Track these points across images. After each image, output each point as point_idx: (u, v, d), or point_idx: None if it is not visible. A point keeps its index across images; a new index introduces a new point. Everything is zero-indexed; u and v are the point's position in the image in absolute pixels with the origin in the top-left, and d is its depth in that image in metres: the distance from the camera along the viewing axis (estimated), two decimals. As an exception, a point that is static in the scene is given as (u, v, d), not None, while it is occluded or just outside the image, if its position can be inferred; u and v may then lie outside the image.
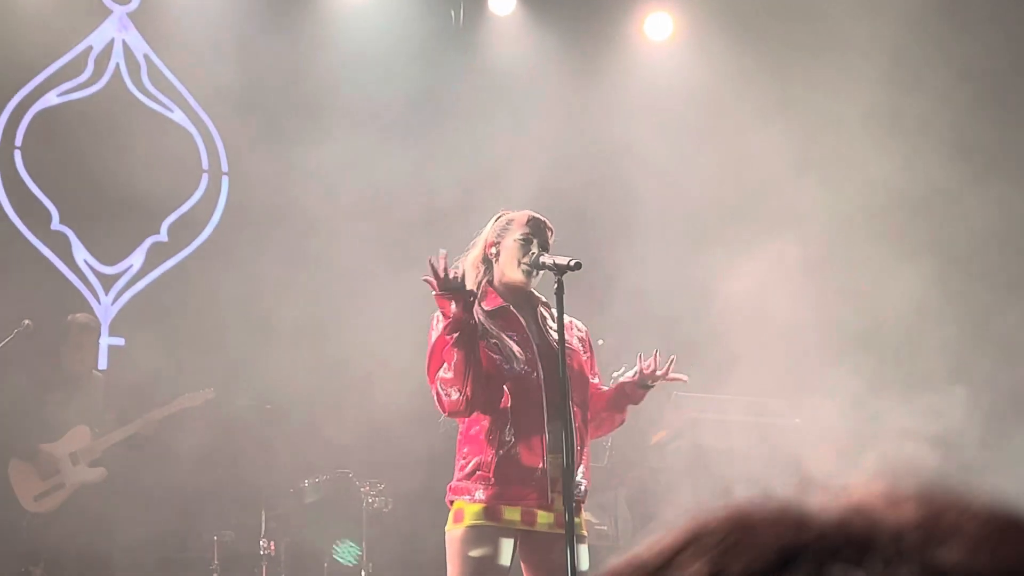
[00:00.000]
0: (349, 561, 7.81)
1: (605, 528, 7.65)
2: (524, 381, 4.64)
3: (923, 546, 0.54)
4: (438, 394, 4.60)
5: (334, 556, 7.84)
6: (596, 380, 4.95)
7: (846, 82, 8.74)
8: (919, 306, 7.65)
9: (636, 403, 4.91)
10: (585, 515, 4.78)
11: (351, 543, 7.78)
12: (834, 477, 0.60)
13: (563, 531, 4.50)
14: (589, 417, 4.85)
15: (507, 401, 4.60)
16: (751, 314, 7.48)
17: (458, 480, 4.65)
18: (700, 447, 7.14)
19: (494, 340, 4.64)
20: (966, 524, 0.55)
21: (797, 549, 0.55)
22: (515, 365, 4.63)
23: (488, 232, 4.90)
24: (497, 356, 4.62)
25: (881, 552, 0.54)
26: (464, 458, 4.67)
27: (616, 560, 0.61)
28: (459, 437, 4.74)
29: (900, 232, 8.26)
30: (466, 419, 4.67)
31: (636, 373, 4.82)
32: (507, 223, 4.86)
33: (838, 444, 6.32)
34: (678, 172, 8.98)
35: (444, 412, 4.65)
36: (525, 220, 4.83)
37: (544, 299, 4.87)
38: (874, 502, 0.57)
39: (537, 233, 4.80)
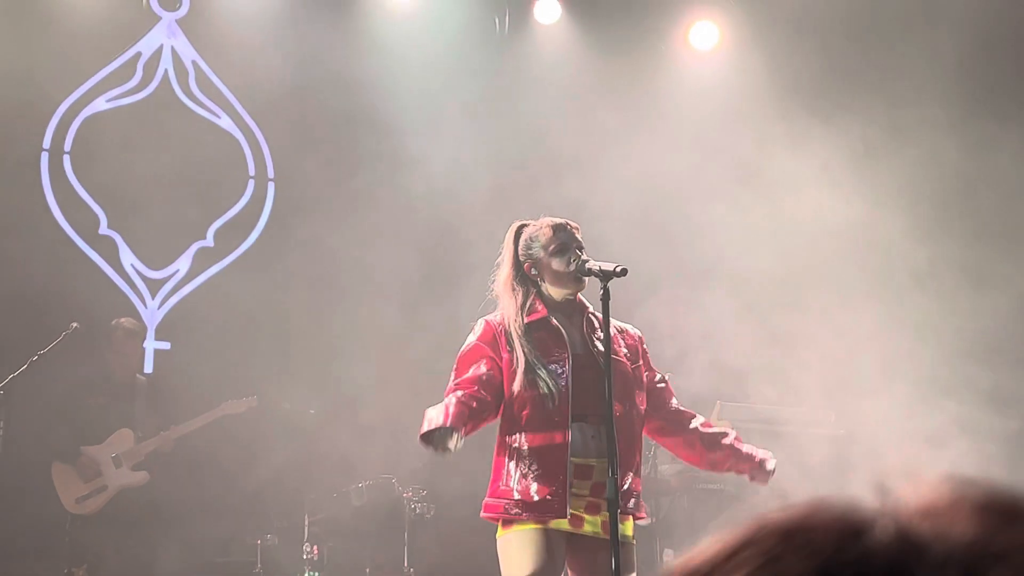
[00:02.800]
0: None
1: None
2: (551, 399, 4.62)
3: (967, 571, 0.53)
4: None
5: None
6: (660, 382, 4.92)
7: (900, 92, 8.68)
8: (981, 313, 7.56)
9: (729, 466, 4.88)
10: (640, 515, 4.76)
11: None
12: (892, 486, 0.59)
13: (608, 537, 4.49)
14: (656, 427, 4.85)
15: (527, 421, 4.61)
16: (805, 329, 7.45)
17: (489, 496, 4.69)
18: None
19: (528, 375, 4.63)
20: (1014, 548, 0.54)
21: (839, 568, 0.54)
22: (540, 389, 4.62)
23: (513, 250, 4.86)
24: (530, 391, 4.63)
25: (923, 566, 0.53)
26: (495, 472, 4.70)
27: (669, 564, 0.61)
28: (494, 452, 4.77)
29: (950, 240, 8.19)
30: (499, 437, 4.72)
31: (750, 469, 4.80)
32: (532, 237, 4.80)
33: (893, 454, 6.26)
34: (723, 182, 8.94)
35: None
36: (551, 230, 4.77)
37: (591, 307, 4.83)
38: (929, 518, 0.56)
39: (569, 238, 4.77)
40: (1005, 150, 8.38)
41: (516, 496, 4.56)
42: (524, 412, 4.62)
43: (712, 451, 4.80)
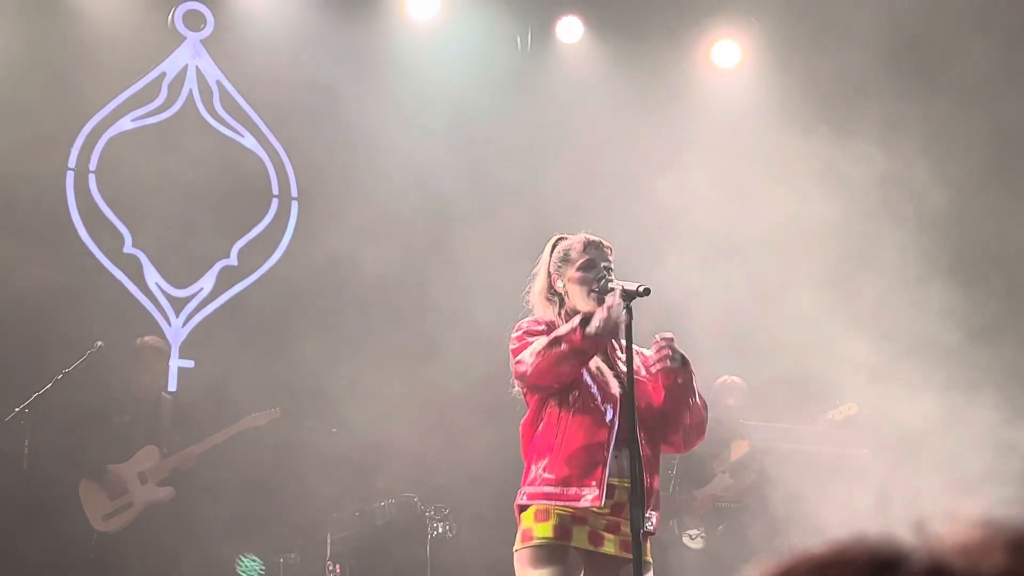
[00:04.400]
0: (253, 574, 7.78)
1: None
2: (592, 413, 4.62)
3: None
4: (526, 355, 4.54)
5: (238, 570, 7.80)
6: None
7: (924, 111, 8.67)
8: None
9: (676, 385, 4.67)
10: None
11: (253, 557, 7.76)
12: (928, 524, 0.60)
13: (629, 555, 4.48)
14: (674, 441, 4.82)
15: (569, 423, 4.60)
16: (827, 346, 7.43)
17: (528, 483, 4.65)
18: (769, 476, 7.08)
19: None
20: None
21: None
22: (585, 400, 4.62)
23: (547, 262, 4.87)
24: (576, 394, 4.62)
25: None
26: (528, 461, 4.67)
27: None
28: (528, 439, 4.72)
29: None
30: (536, 429, 4.66)
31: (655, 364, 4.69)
32: (564, 252, 4.79)
33: (920, 480, 6.23)
34: (743, 198, 8.93)
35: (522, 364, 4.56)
36: (582, 245, 4.76)
37: None
38: (962, 554, 0.57)
39: (599, 256, 4.76)
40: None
41: (552, 484, 4.54)
42: (568, 415, 4.61)
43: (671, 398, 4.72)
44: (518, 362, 4.58)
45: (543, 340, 4.52)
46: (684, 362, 4.65)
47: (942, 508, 0.61)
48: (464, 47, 9.53)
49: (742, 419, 7.60)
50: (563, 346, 4.46)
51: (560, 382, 4.56)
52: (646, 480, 4.52)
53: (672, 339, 4.63)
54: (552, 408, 4.65)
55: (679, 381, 4.63)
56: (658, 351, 4.61)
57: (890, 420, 6.92)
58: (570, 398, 4.63)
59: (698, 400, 4.76)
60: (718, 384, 7.93)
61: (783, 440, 7.34)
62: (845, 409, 7.49)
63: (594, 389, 4.63)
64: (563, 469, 4.54)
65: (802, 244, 8.54)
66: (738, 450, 7.56)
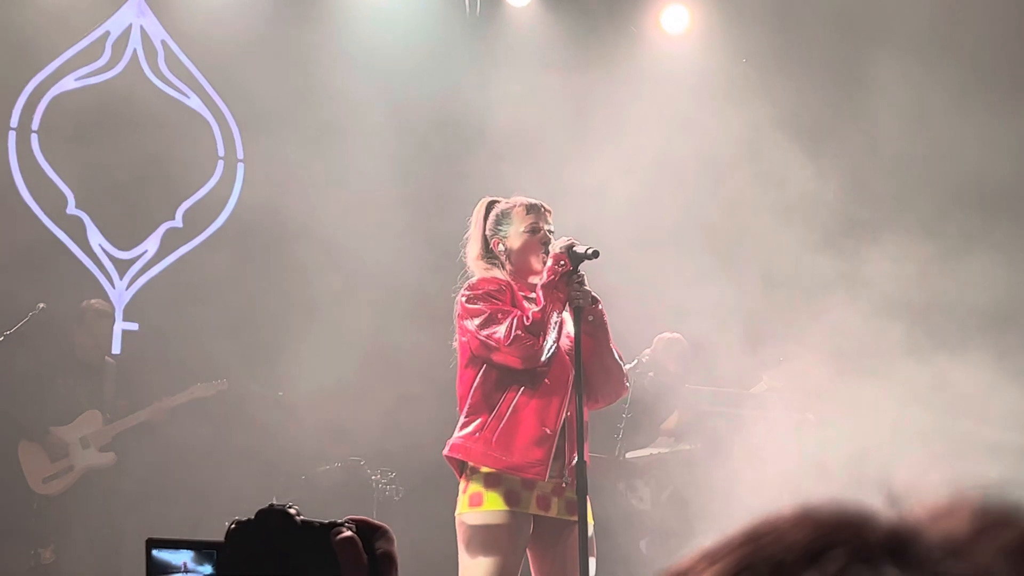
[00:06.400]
0: None
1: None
2: (538, 380, 4.62)
3: (944, 557, 0.55)
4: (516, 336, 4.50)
5: None
6: None
7: (869, 75, 8.72)
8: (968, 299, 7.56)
9: (592, 328, 4.66)
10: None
11: None
12: (897, 490, 0.62)
13: (572, 517, 4.50)
14: (596, 398, 4.82)
15: (520, 386, 4.60)
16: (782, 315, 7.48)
17: (461, 438, 4.62)
18: (711, 441, 7.13)
19: None
20: (1002, 538, 0.56)
21: (830, 546, 0.56)
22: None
23: (482, 224, 4.84)
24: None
25: (904, 560, 0.55)
26: (467, 416, 4.66)
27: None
28: (466, 396, 4.69)
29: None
30: (476, 378, 4.63)
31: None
32: (503, 213, 4.79)
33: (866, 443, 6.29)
34: (692, 167, 8.96)
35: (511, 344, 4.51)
36: (525, 209, 4.77)
37: None
38: (929, 514, 0.58)
39: (542, 220, 4.77)
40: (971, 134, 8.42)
41: (497, 453, 4.53)
42: (519, 376, 4.60)
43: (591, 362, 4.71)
44: (489, 336, 4.55)
45: (523, 329, 4.50)
46: (595, 301, 4.64)
47: (913, 479, 0.62)
48: (413, 9, 9.48)
49: (688, 383, 7.63)
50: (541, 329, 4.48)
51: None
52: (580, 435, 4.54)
53: (573, 245, 4.59)
54: (493, 369, 4.64)
55: (590, 319, 4.63)
56: (554, 260, 4.57)
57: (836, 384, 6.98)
58: (517, 379, 4.63)
59: (614, 349, 4.76)
60: (657, 341, 7.95)
61: (726, 404, 7.38)
62: (782, 370, 7.54)
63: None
64: (506, 435, 4.55)
65: (743, 210, 8.59)
66: (682, 414, 7.61)
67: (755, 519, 0.60)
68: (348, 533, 1.16)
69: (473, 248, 4.85)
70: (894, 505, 0.59)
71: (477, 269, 4.81)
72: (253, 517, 1.19)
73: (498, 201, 4.87)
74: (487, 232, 4.81)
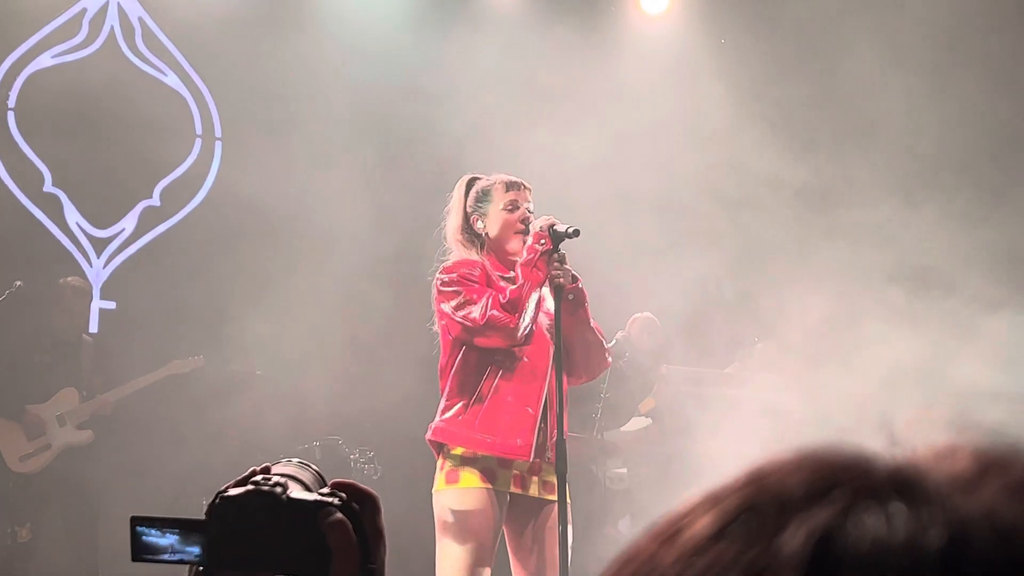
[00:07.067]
0: None
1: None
2: (518, 361, 4.63)
3: (951, 493, 0.56)
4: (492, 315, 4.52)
5: None
6: None
7: (848, 54, 8.74)
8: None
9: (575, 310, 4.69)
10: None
11: None
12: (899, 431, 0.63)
13: (550, 497, 4.52)
14: (579, 374, 4.85)
15: (500, 368, 4.61)
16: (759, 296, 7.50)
17: (444, 422, 4.65)
18: (688, 420, 7.15)
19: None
20: (1007, 476, 0.57)
21: (835, 485, 0.57)
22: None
23: (463, 201, 4.85)
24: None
25: (911, 497, 0.56)
26: (449, 399, 4.68)
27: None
28: (447, 380, 4.72)
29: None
30: (456, 361, 4.65)
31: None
32: (483, 191, 4.80)
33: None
34: (671, 147, 8.96)
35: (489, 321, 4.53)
36: (505, 186, 4.78)
37: None
38: (932, 454, 0.59)
39: (521, 197, 4.78)
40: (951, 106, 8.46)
41: (480, 434, 4.55)
42: (499, 357, 4.62)
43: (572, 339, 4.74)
44: (465, 318, 4.55)
45: (499, 308, 4.51)
46: (574, 279, 4.64)
47: (910, 426, 0.63)
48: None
49: (664, 362, 7.66)
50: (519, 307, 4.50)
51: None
52: (559, 413, 4.56)
53: (554, 224, 4.60)
54: (472, 351, 4.66)
55: (570, 297, 4.64)
56: (535, 239, 4.59)
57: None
58: (495, 361, 4.65)
59: (592, 326, 4.77)
60: (631, 322, 7.97)
61: (703, 384, 7.41)
62: (761, 348, 7.57)
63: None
64: (489, 417, 4.56)
65: (721, 188, 8.61)
66: (659, 394, 7.63)
67: (755, 463, 0.61)
68: (338, 515, 1.16)
69: (452, 223, 4.86)
70: (895, 447, 0.60)
71: (455, 245, 4.82)
72: (240, 493, 1.18)
73: (479, 178, 4.87)
74: (467, 209, 4.82)
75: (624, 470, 7.67)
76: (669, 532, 0.60)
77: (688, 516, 0.60)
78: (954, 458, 0.59)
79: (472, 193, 4.83)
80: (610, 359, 4.92)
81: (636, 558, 0.61)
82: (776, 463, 0.60)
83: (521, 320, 4.49)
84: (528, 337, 4.57)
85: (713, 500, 0.60)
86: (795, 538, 0.55)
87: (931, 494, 0.56)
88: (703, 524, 0.59)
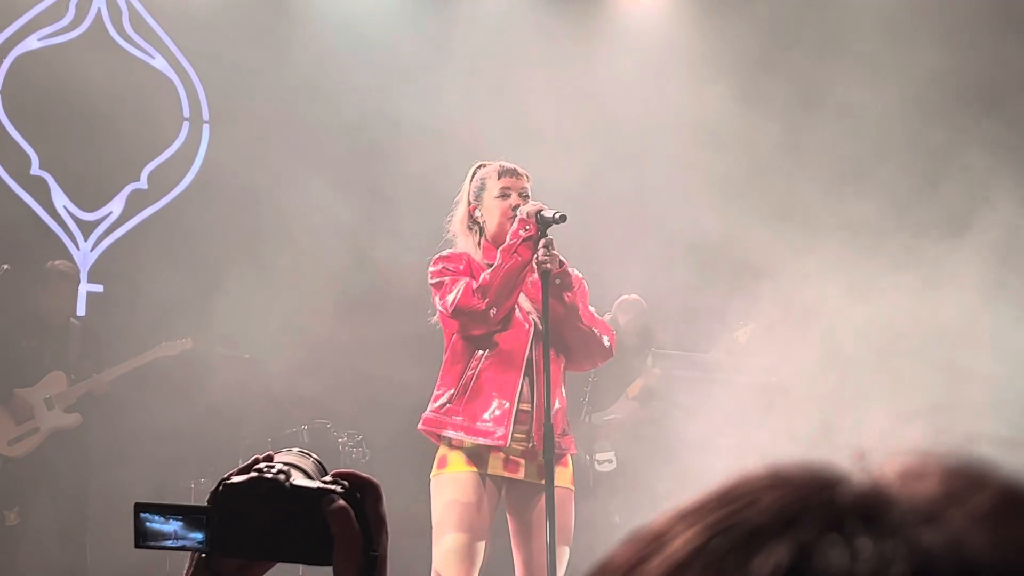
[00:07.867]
0: None
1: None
2: (502, 348, 4.65)
3: (916, 523, 0.56)
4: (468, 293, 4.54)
5: None
6: None
7: (841, 42, 8.75)
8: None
9: (560, 295, 4.64)
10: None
11: None
12: (868, 451, 0.63)
13: (543, 482, 4.54)
14: (578, 363, 4.85)
15: (484, 355, 4.63)
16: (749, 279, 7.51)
17: (433, 411, 4.68)
18: (676, 404, 7.17)
19: None
20: (973, 503, 0.57)
21: (804, 510, 0.57)
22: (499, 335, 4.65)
23: (467, 191, 4.85)
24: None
25: (877, 527, 0.56)
26: (438, 388, 4.70)
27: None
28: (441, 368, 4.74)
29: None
30: (449, 351, 4.69)
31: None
32: (482, 180, 4.80)
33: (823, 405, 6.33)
34: (662, 136, 8.97)
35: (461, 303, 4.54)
36: (497, 173, 4.78)
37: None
38: (900, 477, 0.59)
39: (515, 183, 4.77)
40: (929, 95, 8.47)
41: (459, 419, 4.59)
42: (480, 345, 4.64)
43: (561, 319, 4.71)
44: (443, 304, 4.60)
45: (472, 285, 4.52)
46: (561, 264, 4.61)
47: (882, 437, 0.63)
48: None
49: (651, 346, 7.67)
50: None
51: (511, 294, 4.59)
52: (552, 403, 4.57)
53: (541, 209, 4.59)
54: (459, 340, 4.68)
55: (556, 282, 4.62)
56: (520, 224, 4.58)
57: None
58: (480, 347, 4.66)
59: (583, 314, 4.74)
60: (618, 304, 7.97)
61: (691, 368, 7.42)
62: (748, 331, 7.58)
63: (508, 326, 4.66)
64: (470, 405, 4.59)
65: (711, 175, 8.62)
66: (647, 378, 7.65)
67: (727, 480, 0.61)
68: (341, 503, 1.16)
69: (459, 213, 4.87)
70: (864, 466, 0.60)
71: (459, 235, 4.83)
72: (243, 480, 1.18)
73: (484, 165, 4.87)
74: (471, 198, 4.83)
75: (612, 453, 7.68)
76: (640, 556, 0.60)
77: (657, 540, 0.60)
78: (922, 480, 0.58)
79: (473, 182, 4.84)
80: (610, 346, 4.85)
81: None
82: (747, 483, 0.60)
83: (490, 304, 4.50)
84: (505, 322, 4.58)
85: (685, 522, 0.60)
86: (763, 572, 0.55)
87: (896, 524, 0.56)
88: (675, 549, 0.59)
